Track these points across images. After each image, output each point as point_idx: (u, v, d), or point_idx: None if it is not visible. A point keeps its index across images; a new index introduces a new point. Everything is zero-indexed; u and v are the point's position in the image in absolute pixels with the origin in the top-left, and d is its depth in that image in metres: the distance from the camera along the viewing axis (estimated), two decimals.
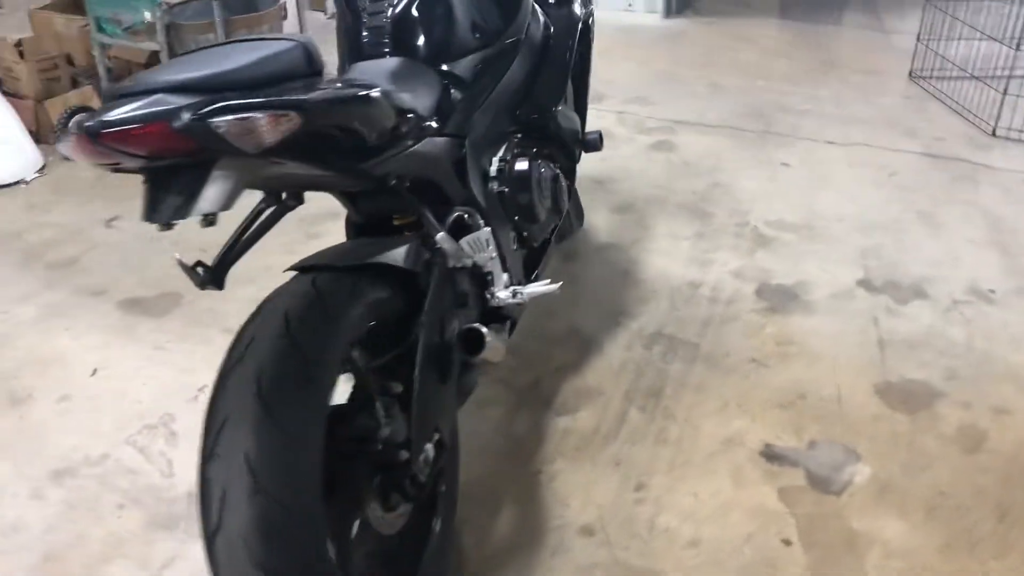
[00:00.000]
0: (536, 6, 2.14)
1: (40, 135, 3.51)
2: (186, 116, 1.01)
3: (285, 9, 3.55)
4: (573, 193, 2.32)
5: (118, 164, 1.06)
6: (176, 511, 1.80)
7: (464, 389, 1.67)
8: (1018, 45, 3.49)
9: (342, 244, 1.51)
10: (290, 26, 3.67)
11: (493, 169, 1.84)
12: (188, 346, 2.32)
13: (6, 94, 3.59)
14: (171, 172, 1.06)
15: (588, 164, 3.17)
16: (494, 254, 1.68)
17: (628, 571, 1.64)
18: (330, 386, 1.20)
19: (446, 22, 1.77)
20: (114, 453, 1.95)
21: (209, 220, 1.09)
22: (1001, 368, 2.17)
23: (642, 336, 2.31)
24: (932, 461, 1.88)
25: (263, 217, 1.46)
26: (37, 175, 3.34)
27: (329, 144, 1.22)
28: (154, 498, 1.83)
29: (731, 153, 3.44)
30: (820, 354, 2.23)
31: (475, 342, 1.49)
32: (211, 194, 1.07)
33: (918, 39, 4.12)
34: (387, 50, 1.72)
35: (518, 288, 1.69)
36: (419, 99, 1.56)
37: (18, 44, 3.56)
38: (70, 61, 3.69)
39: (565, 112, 2.15)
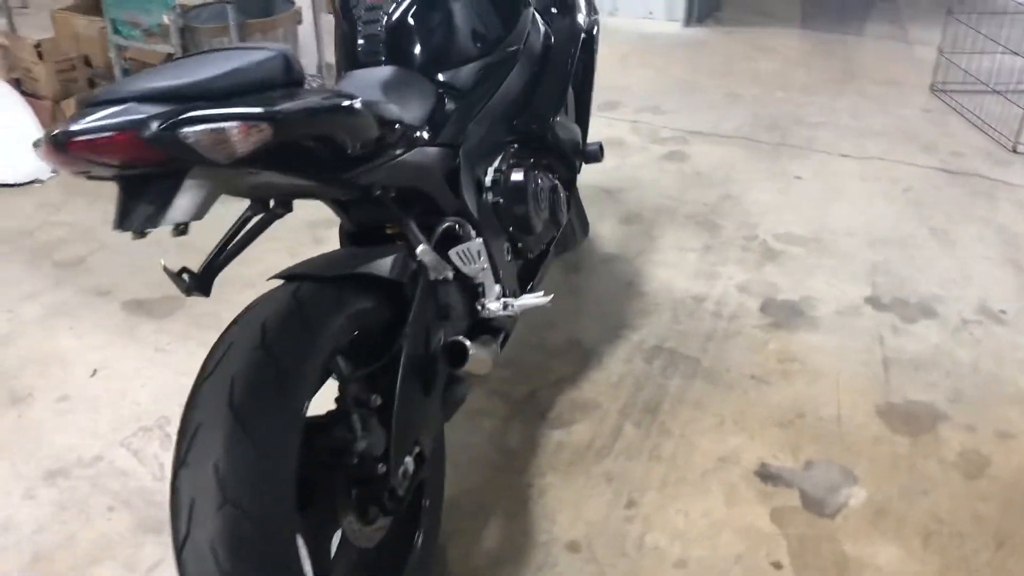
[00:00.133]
0: (537, 15, 2.12)
1: None
2: (155, 126, 1.00)
3: (300, 13, 3.56)
4: (575, 204, 2.30)
5: (89, 172, 1.06)
6: (165, 515, 1.77)
7: (452, 402, 1.65)
8: None
9: (330, 253, 1.50)
10: (305, 30, 3.68)
11: (488, 179, 1.82)
12: (189, 348, 2.32)
13: (25, 94, 3.65)
14: (143, 180, 1.05)
15: (598, 173, 3.17)
16: (485, 265, 1.66)
17: None
18: (306, 397, 1.19)
19: (443, 31, 1.76)
20: (108, 455, 1.96)
21: (180, 230, 1.09)
22: (1008, 391, 2.12)
23: (643, 349, 2.29)
24: (932, 486, 1.84)
25: (250, 225, 1.45)
26: (53, 175, 3.37)
27: (307, 154, 1.20)
28: (144, 501, 1.84)
29: (744, 164, 3.40)
30: (822, 372, 2.19)
31: (458, 355, 1.47)
32: (183, 203, 1.06)
33: (939, 51, 4.06)
34: (383, 59, 1.71)
35: (509, 300, 1.67)
36: (410, 109, 1.55)
37: (37, 45, 3.60)
38: (88, 62, 3.72)
39: (564, 122, 2.13)
